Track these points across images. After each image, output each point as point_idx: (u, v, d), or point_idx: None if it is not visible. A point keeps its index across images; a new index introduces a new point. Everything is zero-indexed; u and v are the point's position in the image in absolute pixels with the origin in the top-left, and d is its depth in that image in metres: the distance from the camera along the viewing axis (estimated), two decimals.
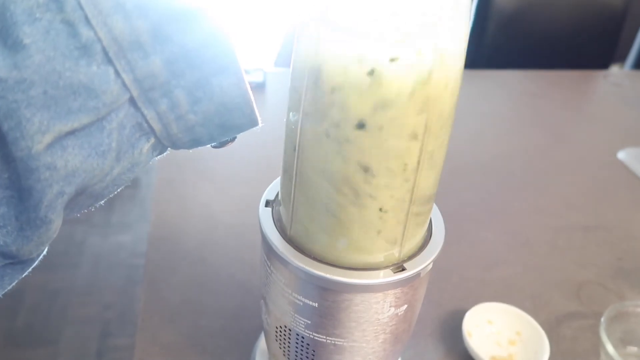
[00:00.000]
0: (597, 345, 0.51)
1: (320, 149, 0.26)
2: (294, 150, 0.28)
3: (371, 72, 0.23)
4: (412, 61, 0.23)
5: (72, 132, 0.20)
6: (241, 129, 0.24)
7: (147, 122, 0.22)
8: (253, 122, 0.24)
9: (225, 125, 0.23)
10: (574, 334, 0.53)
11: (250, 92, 0.23)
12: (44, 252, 0.22)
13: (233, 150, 0.78)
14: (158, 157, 0.24)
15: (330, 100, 0.25)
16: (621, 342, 0.50)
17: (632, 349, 0.50)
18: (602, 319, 0.47)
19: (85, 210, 0.23)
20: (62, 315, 1.38)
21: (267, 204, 0.33)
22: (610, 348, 0.45)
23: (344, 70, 0.24)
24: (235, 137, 0.25)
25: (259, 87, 0.95)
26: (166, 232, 0.61)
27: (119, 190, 0.23)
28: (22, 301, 1.41)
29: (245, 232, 0.61)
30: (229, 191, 0.69)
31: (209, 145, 0.25)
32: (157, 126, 0.22)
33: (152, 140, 0.23)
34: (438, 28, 0.23)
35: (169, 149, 0.24)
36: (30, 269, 0.22)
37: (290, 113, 0.27)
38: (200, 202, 0.66)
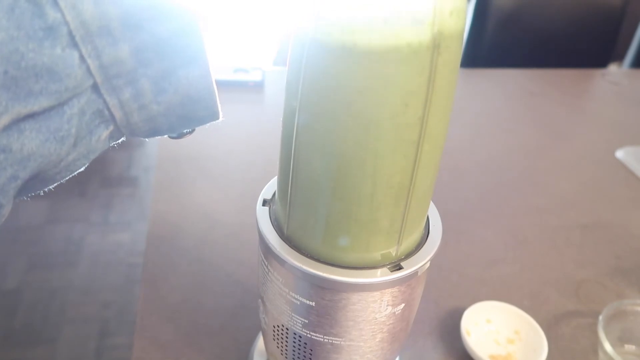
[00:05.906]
0: (596, 343, 0.51)
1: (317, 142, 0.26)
2: (291, 145, 0.28)
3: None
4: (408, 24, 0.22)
5: (31, 115, 0.19)
6: (202, 121, 0.24)
7: (108, 109, 0.22)
8: (214, 116, 0.24)
9: (187, 116, 0.23)
10: (572, 332, 0.53)
11: (215, 85, 0.23)
12: None
13: (231, 149, 0.78)
14: (113, 144, 0.24)
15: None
16: (619, 341, 0.50)
17: (630, 347, 0.50)
18: (601, 318, 0.47)
19: (33, 194, 0.23)
20: (60, 314, 1.38)
21: (265, 203, 0.33)
22: (608, 346, 0.45)
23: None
24: (194, 129, 0.25)
25: (258, 86, 0.94)
26: (165, 231, 0.61)
27: (71, 175, 0.23)
28: (20, 300, 1.41)
29: (244, 231, 0.61)
30: (227, 190, 0.69)
31: (166, 136, 0.25)
32: (118, 114, 0.22)
33: (111, 127, 0.22)
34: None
35: (124, 136, 0.24)
36: None
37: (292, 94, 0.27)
38: (198, 201, 0.66)
